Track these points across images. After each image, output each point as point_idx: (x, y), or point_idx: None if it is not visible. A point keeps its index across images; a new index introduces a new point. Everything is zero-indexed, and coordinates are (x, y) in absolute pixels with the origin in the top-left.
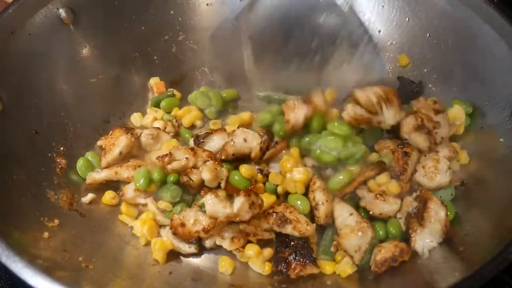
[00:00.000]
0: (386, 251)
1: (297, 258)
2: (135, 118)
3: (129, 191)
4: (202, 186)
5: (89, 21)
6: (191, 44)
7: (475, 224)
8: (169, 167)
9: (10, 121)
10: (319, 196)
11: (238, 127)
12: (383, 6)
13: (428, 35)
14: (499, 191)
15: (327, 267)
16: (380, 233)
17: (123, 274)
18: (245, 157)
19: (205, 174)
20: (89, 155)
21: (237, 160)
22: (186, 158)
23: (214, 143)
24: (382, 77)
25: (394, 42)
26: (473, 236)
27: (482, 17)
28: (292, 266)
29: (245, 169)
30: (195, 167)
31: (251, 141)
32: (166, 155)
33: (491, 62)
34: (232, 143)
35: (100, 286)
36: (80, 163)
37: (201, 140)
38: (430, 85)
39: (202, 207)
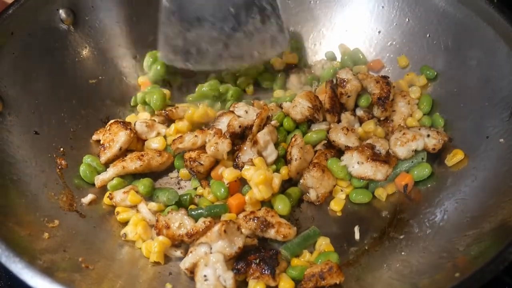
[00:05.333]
0: (315, 267)
1: (260, 264)
2: (131, 120)
3: (117, 196)
4: (209, 171)
5: (89, 22)
6: None
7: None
8: (180, 146)
9: (10, 122)
10: (295, 152)
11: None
12: (383, 7)
13: (428, 35)
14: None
15: (286, 286)
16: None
17: (123, 275)
18: (248, 130)
19: (208, 148)
20: (88, 159)
21: (242, 135)
22: (195, 136)
23: (224, 125)
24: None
25: (394, 43)
26: (473, 236)
27: (482, 18)
28: (252, 270)
29: (227, 174)
30: (203, 145)
31: (251, 113)
32: (179, 137)
33: (491, 63)
34: (236, 117)
35: (100, 287)
36: (82, 169)
37: (212, 125)
38: (429, 85)
39: (189, 212)
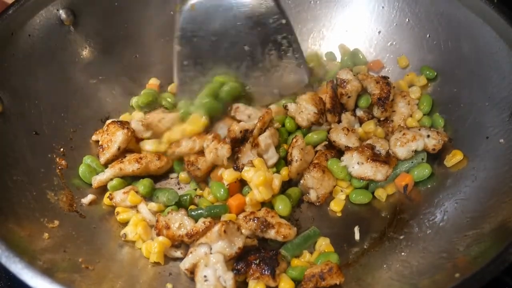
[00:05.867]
0: (315, 267)
1: (260, 265)
2: (125, 119)
3: (117, 196)
4: (208, 174)
5: (89, 22)
6: None
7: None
8: (177, 150)
9: (10, 122)
10: (295, 153)
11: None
12: (383, 7)
13: (428, 35)
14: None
15: (286, 286)
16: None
17: (123, 275)
18: (249, 133)
19: (207, 154)
20: (88, 159)
21: (243, 140)
22: (193, 141)
23: (222, 130)
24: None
25: (394, 43)
26: (473, 237)
27: (482, 18)
28: (252, 270)
29: (227, 175)
30: (201, 150)
31: (253, 116)
32: (176, 141)
33: (491, 63)
34: (236, 122)
35: (100, 287)
36: (81, 169)
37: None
38: (429, 85)
39: (189, 212)
